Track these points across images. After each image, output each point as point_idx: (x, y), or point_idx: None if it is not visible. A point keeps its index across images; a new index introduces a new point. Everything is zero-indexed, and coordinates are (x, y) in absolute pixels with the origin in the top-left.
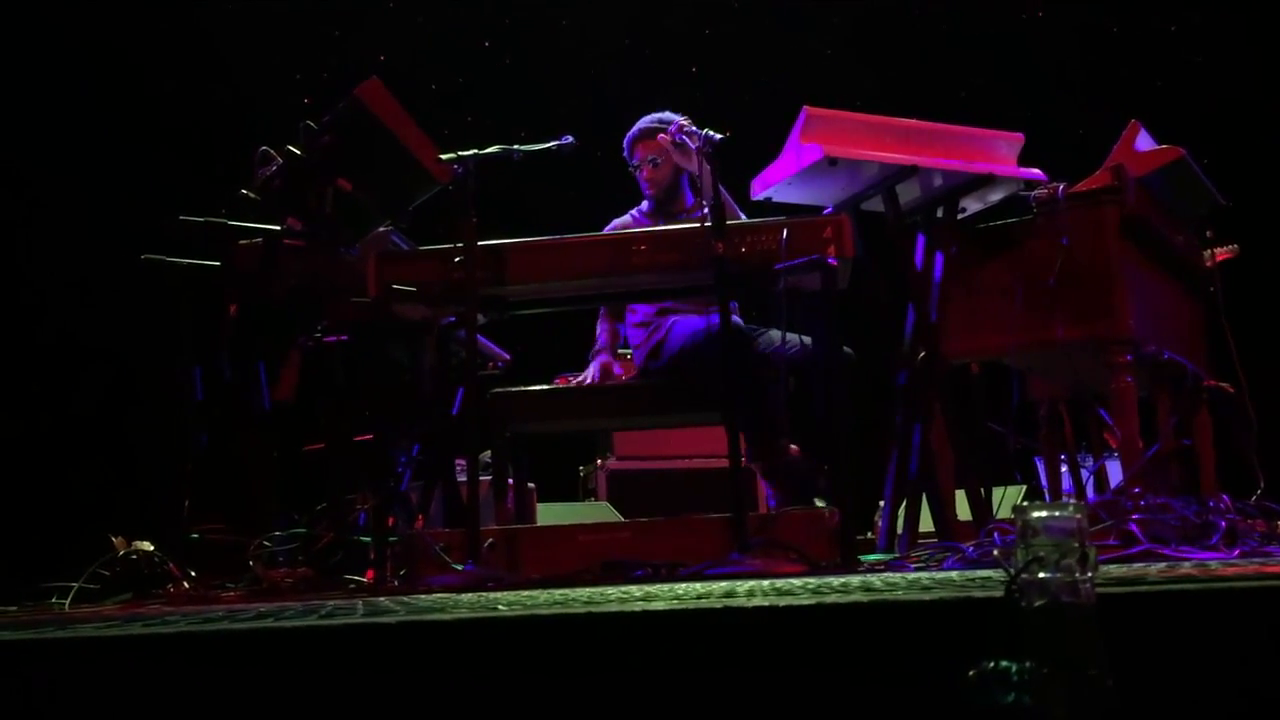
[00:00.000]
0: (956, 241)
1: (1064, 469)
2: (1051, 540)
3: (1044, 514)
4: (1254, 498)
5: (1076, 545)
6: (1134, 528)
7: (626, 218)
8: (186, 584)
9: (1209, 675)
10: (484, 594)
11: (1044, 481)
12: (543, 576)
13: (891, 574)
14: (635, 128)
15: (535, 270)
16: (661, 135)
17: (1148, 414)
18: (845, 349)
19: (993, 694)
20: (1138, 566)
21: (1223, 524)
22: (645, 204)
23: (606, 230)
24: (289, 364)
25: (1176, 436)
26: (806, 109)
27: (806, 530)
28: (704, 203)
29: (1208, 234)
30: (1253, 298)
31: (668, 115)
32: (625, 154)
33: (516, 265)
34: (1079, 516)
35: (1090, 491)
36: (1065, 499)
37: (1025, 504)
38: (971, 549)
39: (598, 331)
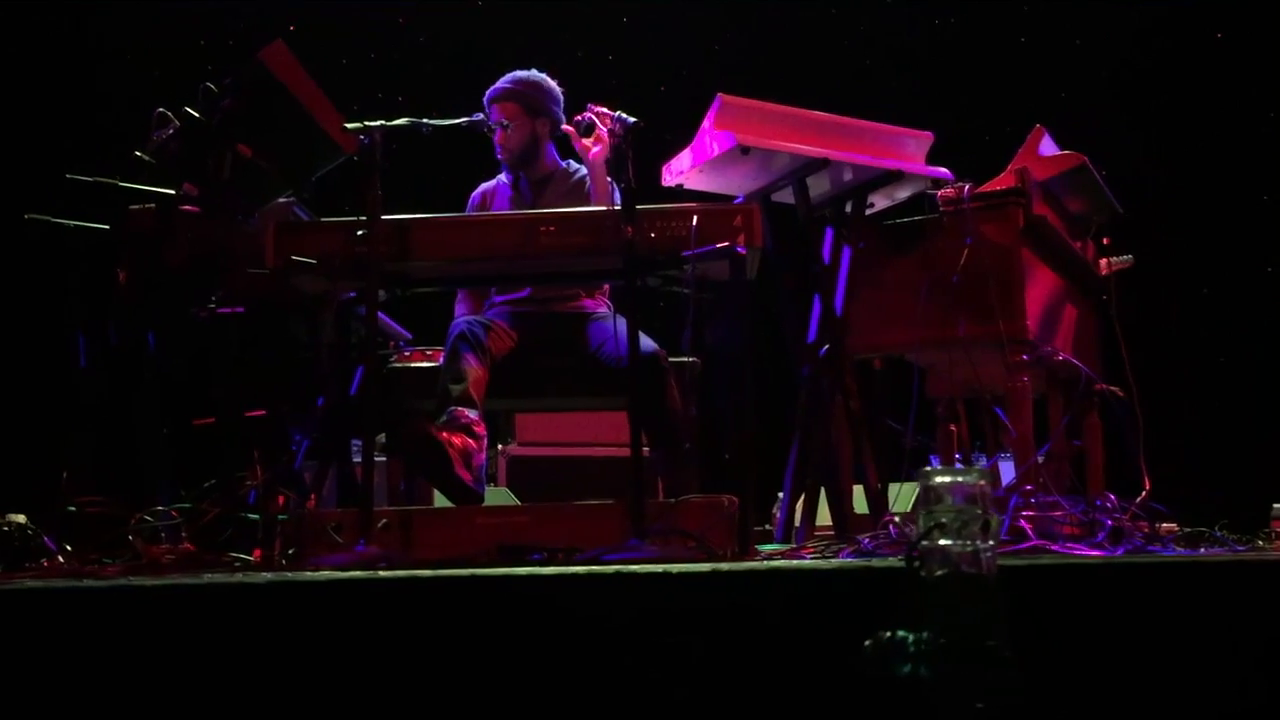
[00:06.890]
0: (864, 237)
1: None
2: (955, 506)
3: (948, 479)
4: (1139, 499)
5: (979, 512)
6: (1024, 524)
7: (492, 184)
8: (61, 558)
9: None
10: (372, 573)
11: None
12: (436, 558)
13: (789, 561)
14: (495, 86)
15: (440, 247)
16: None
17: (1041, 415)
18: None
19: (889, 664)
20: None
21: (1109, 523)
22: (504, 171)
23: (473, 197)
24: None
25: (1068, 437)
26: (721, 96)
27: (705, 518)
28: (570, 162)
29: (1104, 241)
30: (1143, 306)
31: (526, 75)
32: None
33: (421, 241)
34: (983, 482)
35: None
36: None
37: (929, 469)
38: (867, 540)
39: (456, 315)
